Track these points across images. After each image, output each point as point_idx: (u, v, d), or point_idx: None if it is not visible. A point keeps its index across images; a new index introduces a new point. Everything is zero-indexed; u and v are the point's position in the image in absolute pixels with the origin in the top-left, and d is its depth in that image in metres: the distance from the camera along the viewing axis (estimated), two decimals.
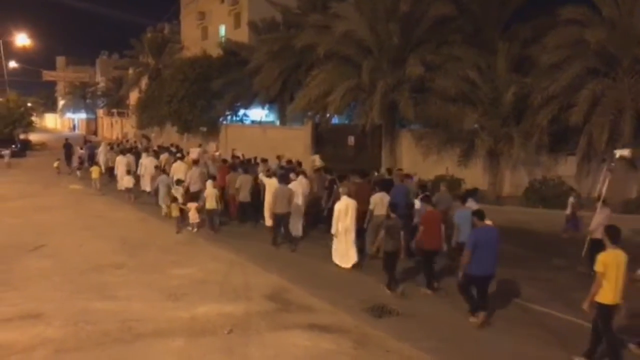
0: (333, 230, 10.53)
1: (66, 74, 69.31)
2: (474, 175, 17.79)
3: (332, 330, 7.40)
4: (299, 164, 16.18)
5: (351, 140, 21.99)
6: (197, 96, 29.08)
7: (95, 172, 20.45)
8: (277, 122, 28.90)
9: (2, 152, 29.00)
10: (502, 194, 17.58)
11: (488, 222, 8.22)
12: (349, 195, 10.64)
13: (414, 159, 19.42)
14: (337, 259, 10.68)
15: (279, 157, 18.01)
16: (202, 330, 7.34)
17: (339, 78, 18.63)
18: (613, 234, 6.44)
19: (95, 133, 63.71)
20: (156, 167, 17.89)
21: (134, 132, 43.34)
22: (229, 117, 30.24)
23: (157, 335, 7.17)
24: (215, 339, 7.07)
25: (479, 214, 8.05)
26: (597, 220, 9.89)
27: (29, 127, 42.34)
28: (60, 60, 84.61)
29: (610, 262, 6.26)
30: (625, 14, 14.89)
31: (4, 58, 45.23)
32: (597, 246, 9.64)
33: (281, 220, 12.11)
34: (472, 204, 10.05)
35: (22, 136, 40.01)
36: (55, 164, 25.22)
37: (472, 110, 16.65)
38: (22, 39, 46.20)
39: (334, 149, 22.68)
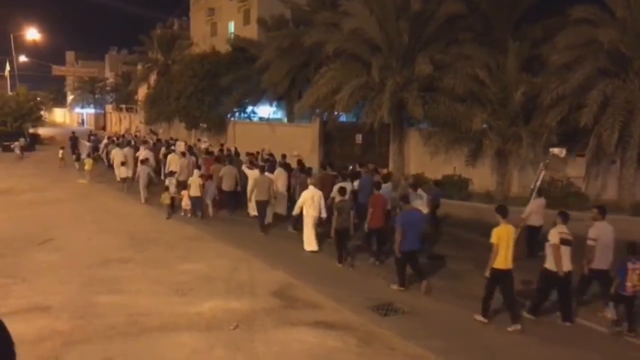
0: (295, 212, 11.76)
1: (75, 69, 69.73)
2: (482, 175, 17.71)
3: (338, 328, 7.39)
4: (284, 156, 17.23)
5: (359, 138, 21.94)
6: (206, 92, 29.16)
7: (88, 164, 21.25)
8: (285, 119, 28.90)
9: (12, 145, 29.23)
10: (510, 195, 17.47)
11: (421, 207, 10.45)
12: (315, 185, 11.66)
13: (421, 157, 19.35)
14: (305, 244, 11.58)
15: (262, 150, 19.59)
16: (207, 325, 7.37)
17: (347, 76, 18.58)
18: (503, 211, 7.80)
19: (104, 128, 63.95)
20: (147, 159, 18.04)
21: (139, 127, 43.51)
22: (237, 114, 30.30)
23: (163, 329, 7.20)
24: (221, 334, 7.09)
25: (405, 200, 9.72)
26: (530, 208, 10.72)
27: (38, 121, 42.59)
28: (69, 55, 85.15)
29: (503, 234, 7.59)
30: (636, 14, 14.73)
31: (14, 52, 45.61)
32: (532, 231, 10.96)
33: (263, 207, 13.12)
34: (422, 193, 11.41)
35: (31, 130, 40.23)
36: (60, 154, 25.56)
37: (481, 109, 16.56)
38: (32, 34, 46.70)
39: (342, 147, 22.68)
